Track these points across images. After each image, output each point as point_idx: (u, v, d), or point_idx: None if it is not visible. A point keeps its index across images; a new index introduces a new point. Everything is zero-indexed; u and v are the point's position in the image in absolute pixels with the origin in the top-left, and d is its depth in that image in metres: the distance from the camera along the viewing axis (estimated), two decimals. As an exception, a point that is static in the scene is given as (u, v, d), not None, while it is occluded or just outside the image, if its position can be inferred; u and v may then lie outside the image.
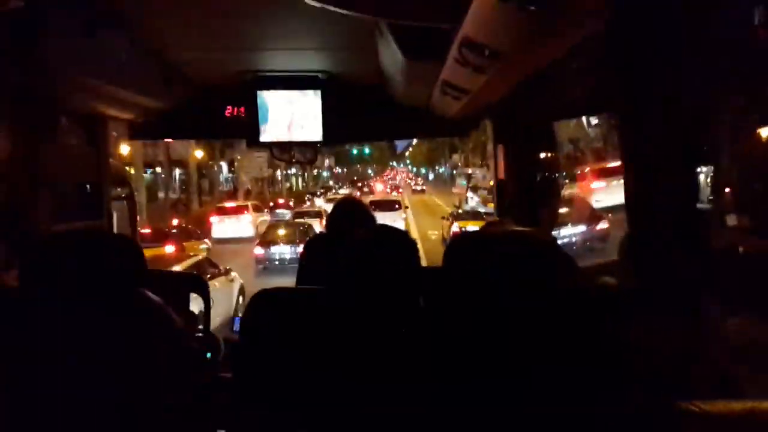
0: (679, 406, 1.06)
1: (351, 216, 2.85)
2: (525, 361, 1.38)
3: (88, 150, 3.61)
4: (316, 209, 30.37)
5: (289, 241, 17.92)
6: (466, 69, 2.40)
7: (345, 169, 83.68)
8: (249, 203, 29.62)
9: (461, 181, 41.97)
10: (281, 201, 39.35)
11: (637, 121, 1.95)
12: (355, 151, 52.29)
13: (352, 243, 1.71)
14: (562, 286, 1.60)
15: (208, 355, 2.97)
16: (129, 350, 1.48)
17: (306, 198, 47.58)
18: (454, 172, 59.62)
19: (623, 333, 1.57)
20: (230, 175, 49.26)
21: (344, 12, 2.23)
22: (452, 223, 22.28)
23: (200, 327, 3.09)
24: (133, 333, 1.50)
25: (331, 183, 71.33)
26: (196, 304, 3.13)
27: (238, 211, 27.03)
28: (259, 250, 18.02)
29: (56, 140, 3.20)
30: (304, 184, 69.04)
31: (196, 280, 3.24)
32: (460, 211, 26.17)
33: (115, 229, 3.84)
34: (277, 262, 17.47)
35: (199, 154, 35.03)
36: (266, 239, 18.65)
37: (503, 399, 1.32)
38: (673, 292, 1.70)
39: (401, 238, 1.77)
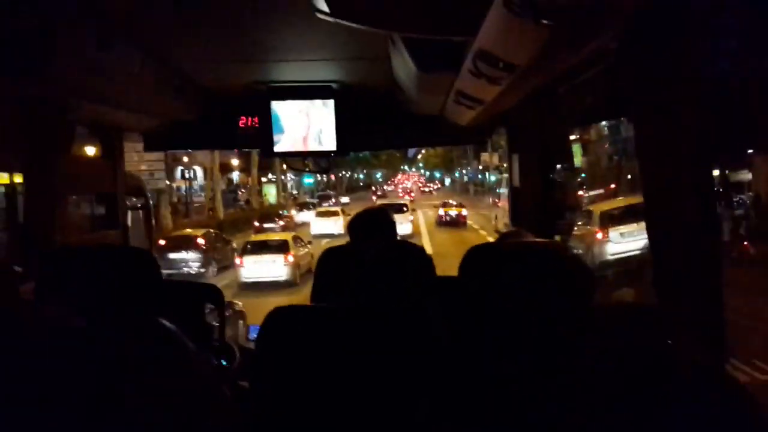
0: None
1: (371, 226, 2.84)
2: (539, 375, 1.37)
3: (103, 161, 3.64)
4: (282, 237, 18.99)
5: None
6: (481, 80, 2.39)
7: (348, 174, 71.46)
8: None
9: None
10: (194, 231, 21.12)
11: (651, 127, 1.94)
12: (359, 154, 41.82)
13: (363, 262, 1.71)
14: (580, 301, 1.59)
15: (224, 363, 2.99)
16: (140, 383, 1.44)
17: (281, 213, 34.81)
18: (481, 176, 49.41)
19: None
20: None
21: (358, 26, 2.23)
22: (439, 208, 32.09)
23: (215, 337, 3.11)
24: (150, 367, 1.47)
25: (330, 192, 56.95)
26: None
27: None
28: None
29: (72, 152, 3.23)
30: (293, 193, 54.63)
31: (211, 290, 3.24)
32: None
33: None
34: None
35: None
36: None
37: (516, 410, 1.31)
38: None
39: (412, 256, 1.76)
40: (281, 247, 17.53)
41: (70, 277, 1.59)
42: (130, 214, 3.87)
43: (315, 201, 43.68)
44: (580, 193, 29.96)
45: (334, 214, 31.35)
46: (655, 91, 1.87)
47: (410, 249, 1.80)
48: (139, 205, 4.15)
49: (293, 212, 37.26)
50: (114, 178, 3.66)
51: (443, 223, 32.06)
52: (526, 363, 1.37)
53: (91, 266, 1.62)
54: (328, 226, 28.80)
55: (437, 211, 33.84)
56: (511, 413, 1.30)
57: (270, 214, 33.82)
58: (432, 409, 1.53)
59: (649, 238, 1.98)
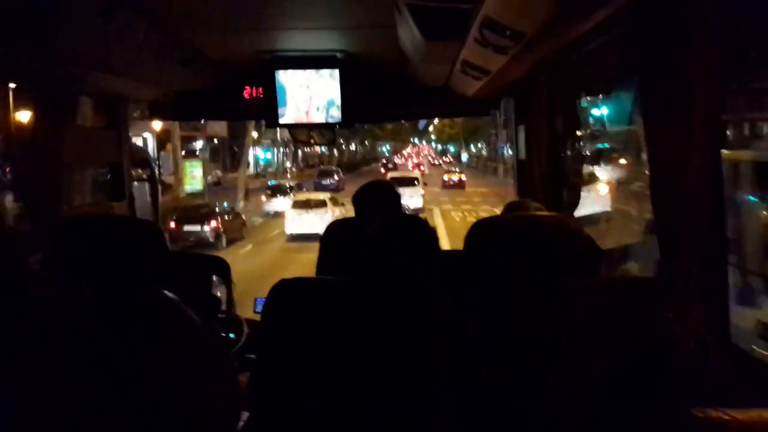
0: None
1: (376, 198, 2.83)
2: (541, 348, 1.37)
3: (109, 132, 3.63)
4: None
5: None
6: (487, 49, 2.36)
7: (350, 145, 58.67)
8: None
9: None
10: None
11: (658, 101, 1.90)
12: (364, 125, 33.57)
13: (365, 235, 1.70)
14: (581, 273, 1.58)
15: (231, 336, 3.01)
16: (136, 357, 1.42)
17: (217, 209, 20.36)
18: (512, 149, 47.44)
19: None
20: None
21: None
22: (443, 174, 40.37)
23: (223, 309, 3.13)
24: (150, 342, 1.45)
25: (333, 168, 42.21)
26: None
27: None
28: None
29: (77, 122, 3.21)
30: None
31: (218, 262, 3.25)
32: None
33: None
34: None
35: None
36: None
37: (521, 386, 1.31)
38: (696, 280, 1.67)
39: (414, 228, 1.74)
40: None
41: (77, 249, 1.59)
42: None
43: (292, 184, 30.29)
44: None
45: (321, 204, 21.56)
46: (665, 59, 1.83)
47: (414, 221, 1.78)
48: (144, 177, 4.15)
49: (262, 198, 27.14)
50: (119, 148, 3.65)
51: (447, 186, 38.63)
52: (529, 338, 1.36)
53: (97, 238, 1.62)
54: (310, 222, 19.58)
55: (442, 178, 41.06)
56: (514, 387, 1.29)
57: (194, 209, 20.04)
58: (438, 382, 1.53)
59: (655, 214, 1.95)
